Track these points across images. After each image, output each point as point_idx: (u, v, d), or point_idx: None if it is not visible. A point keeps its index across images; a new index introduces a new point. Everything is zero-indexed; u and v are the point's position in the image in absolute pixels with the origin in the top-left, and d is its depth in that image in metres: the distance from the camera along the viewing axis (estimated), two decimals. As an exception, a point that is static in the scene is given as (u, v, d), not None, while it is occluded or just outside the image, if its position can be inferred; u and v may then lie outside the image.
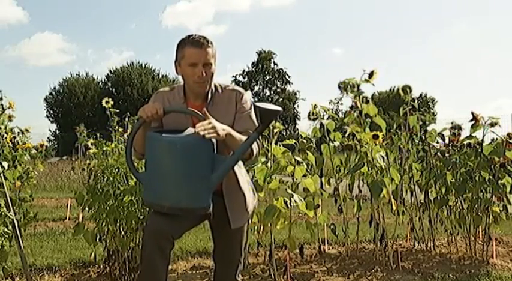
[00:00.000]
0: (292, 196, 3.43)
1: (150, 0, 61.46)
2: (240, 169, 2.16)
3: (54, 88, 38.87)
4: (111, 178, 3.28)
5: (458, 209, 4.23)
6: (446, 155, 4.26)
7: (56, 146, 31.12)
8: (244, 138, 1.99)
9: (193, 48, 2.00)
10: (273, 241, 3.56)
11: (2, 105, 2.99)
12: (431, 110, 40.16)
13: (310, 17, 61.69)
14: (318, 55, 62.11)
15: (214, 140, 1.90)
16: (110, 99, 3.67)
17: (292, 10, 59.67)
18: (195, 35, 2.03)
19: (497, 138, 4.15)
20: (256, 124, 2.09)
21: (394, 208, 3.99)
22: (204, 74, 2.01)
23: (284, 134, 33.91)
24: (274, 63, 42.28)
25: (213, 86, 2.10)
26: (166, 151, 1.87)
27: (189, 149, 1.86)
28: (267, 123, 1.94)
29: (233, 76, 42.35)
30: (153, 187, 1.90)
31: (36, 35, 61.67)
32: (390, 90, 39.81)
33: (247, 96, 2.15)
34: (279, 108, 1.93)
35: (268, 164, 3.47)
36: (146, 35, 59.91)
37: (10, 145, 3.06)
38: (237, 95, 2.11)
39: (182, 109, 2.01)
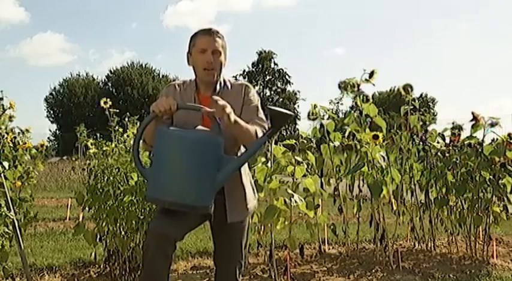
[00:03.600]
0: (293, 196, 3.43)
1: (151, -1, 61.51)
2: (244, 167, 2.16)
3: (55, 88, 38.93)
4: (111, 178, 3.29)
5: (459, 209, 4.23)
6: (447, 155, 4.26)
7: (56, 146, 31.16)
8: (250, 127, 2.01)
9: (203, 36, 2.11)
10: (273, 241, 3.56)
11: (2, 105, 2.99)
12: (432, 110, 40.16)
13: (312, 17, 61.70)
14: (320, 55, 62.14)
15: (222, 140, 1.91)
16: (110, 99, 3.67)
17: (294, 10, 59.71)
18: (207, 27, 2.15)
19: (497, 139, 4.15)
20: (262, 117, 2.13)
21: (395, 208, 3.99)
22: (212, 61, 2.07)
23: (284, 134, 33.93)
24: (275, 63, 42.29)
25: (222, 79, 2.16)
26: (176, 146, 1.87)
27: (198, 146, 1.87)
28: (278, 127, 1.96)
29: (233, 76, 42.39)
30: (158, 182, 1.90)
31: (38, 35, 61.80)
32: (391, 90, 39.79)
33: (255, 90, 2.20)
34: (291, 113, 1.96)
35: (269, 164, 3.47)
36: (147, 34, 59.95)
37: (11, 144, 3.06)
38: (245, 88, 2.17)
39: (195, 107, 2.02)
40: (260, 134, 2.05)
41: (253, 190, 2.25)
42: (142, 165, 2.02)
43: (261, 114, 2.14)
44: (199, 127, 1.99)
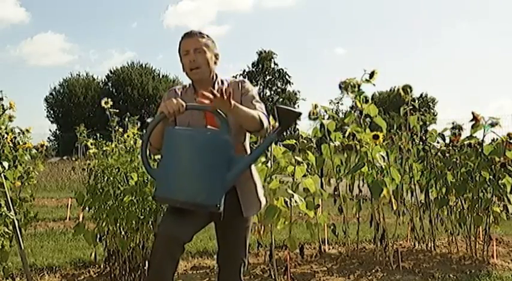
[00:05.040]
0: (293, 196, 3.43)
1: (151, -1, 61.48)
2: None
3: (55, 88, 38.90)
4: (111, 178, 3.28)
5: (459, 209, 4.23)
6: (447, 155, 4.26)
7: (56, 146, 31.13)
8: (253, 112, 2.01)
9: (185, 39, 2.16)
10: (273, 241, 3.56)
11: (2, 105, 2.99)
12: (432, 110, 40.14)
13: (313, 17, 61.73)
14: (320, 55, 62.20)
15: (232, 140, 1.92)
16: (110, 99, 3.67)
17: (295, 10, 59.73)
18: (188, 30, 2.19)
19: (497, 139, 4.15)
20: (259, 103, 2.14)
21: (395, 208, 3.99)
22: (195, 59, 2.10)
23: (284, 134, 33.84)
24: (275, 63, 42.28)
25: (219, 79, 2.20)
26: (187, 146, 1.89)
27: (209, 145, 1.89)
28: (286, 125, 1.98)
29: (233, 76, 42.14)
30: (168, 182, 1.90)
31: (38, 35, 61.82)
32: (391, 90, 39.77)
33: (249, 82, 2.24)
34: (299, 111, 1.98)
35: (269, 164, 3.47)
36: (148, 34, 59.94)
37: (11, 144, 3.06)
38: (240, 83, 2.21)
39: (203, 107, 2.02)
40: (263, 117, 2.05)
41: (260, 184, 2.28)
42: (150, 165, 2.03)
43: (257, 101, 2.16)
44: (209, 127, 2.01)
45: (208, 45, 2.15)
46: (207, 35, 2.16)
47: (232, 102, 1.90)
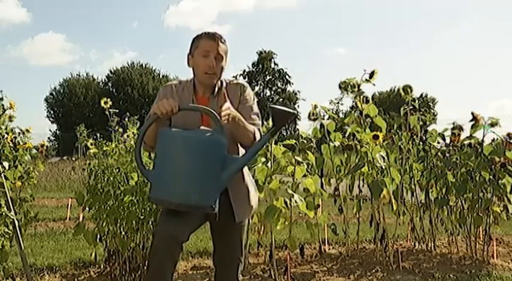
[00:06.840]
0: (293, 196, 3.43)
1: (152, -1, 61.45)
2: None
3: (55, 88, 38.91)
4: (111, 178, 3.29)
5: (459, 209, 4.23)
6: (447, 155, 4.26)
7: (56, 146, 31.12)
8: (249, 127, 2.04)
9: (207, 40, 2.10)
10: (273, 241, 3.56)
11: (2, 105, 2.99)
12: (432, 110, 40.11)
13: (314, 17, 61.75)
14: (321, 55, 62.15)
15: (225, 140, 1.92)
16: (110, 99, 3.67)
17: (296, 11, 59.70)
18: (211, 31, 2.15)
19: (497, 139, 4.15)
20: (256, 116, 2.15)
21: (395, 208, 3.99)
22: (214, 65, 2.08)
23: (284, 134, 33.91)
24: (275, 64, 42.29)
25: (219, 81, 2.17)
26: (181, 147, 1.88)
27: (203, 146, 1.88)
28: (280, 125, 1.97)
29: (233, 76, 42.27)
30: (162, 183, 1.90)
31: (39, 35, 61.82)
32: (391, 90, 39.76)
33: (250, 89, 2.21)
34: (293, 111, 1.98)
35: (269, 164, 3.48)
36: (148, 34, 59.94)
37: (11, 144, 3.06)
38: (241, 88, 2.18)
39: (197, 107, 2.02)
40: (257, 135, 2.06)
41: (254, 188, 2.27)
42: (145, 167, 2.03)
43: (255, 114, 2.16)
44: (202, 128, 2.00)
45: (227, 52, 2.13)
46: (225, 40, 2.13)
47: (233, 113, 1.93)
